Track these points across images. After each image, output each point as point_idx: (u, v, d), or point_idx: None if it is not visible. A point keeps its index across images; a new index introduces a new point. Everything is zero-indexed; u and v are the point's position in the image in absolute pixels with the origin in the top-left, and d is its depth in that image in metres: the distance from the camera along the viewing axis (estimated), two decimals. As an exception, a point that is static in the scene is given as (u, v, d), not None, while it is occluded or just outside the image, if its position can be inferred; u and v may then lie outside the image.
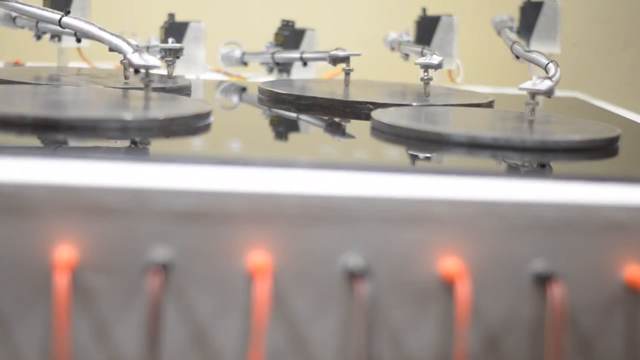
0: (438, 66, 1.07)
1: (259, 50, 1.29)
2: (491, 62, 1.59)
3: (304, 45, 1.26)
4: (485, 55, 1.59)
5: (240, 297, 0.67)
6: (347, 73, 1.15)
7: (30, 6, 1.07)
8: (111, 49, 0.96)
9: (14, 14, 1.22)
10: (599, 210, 0.68)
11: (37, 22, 1.19)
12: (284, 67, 1.27)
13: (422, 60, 1.08)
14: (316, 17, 1.59)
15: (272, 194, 0.66)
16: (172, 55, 1.13)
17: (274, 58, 1.26)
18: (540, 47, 1.23)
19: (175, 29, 1.24)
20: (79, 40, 1.17)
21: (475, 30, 1.52)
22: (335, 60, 1.16)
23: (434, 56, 1.08)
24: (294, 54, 1.25)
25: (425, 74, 1.08)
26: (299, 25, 1.29)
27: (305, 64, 1.24)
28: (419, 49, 1.17)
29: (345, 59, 1.15)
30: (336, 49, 1.16)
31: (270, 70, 1.28)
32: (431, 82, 1.08)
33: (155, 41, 1.18)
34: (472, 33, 1.56)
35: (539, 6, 1.25)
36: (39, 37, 1.22)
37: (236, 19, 1.64)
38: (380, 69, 1.28)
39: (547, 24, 1.25)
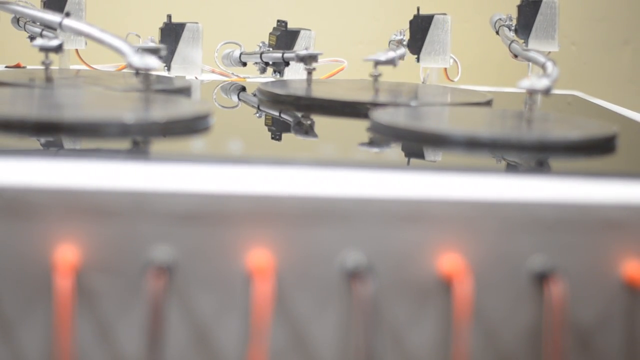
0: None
1: (253, 51, 1.29)
2: (490, 61, 1.59)
3: (299, 45, 1.27)
4: (484, 55, 1.59)
5: (242, 297, 0.67)
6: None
7: (30, 8, 1.07)
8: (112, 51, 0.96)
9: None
10: (597, 207, 0.68)
11: (24, 24, 1.18)
12: (277, 67, 1.27)
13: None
14: (315, 17, 1.60)
15: (272, 194, 0.67)
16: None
17: (261, 58, 1.26)
18: (538, 45, 1.24)
19: (172, 30, 1.24)
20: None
21: (474, 30, 1.52)
22: (302, 59, 1.16)
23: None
24: (277, 54, 1.25)
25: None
26: (298, 25, 1.29)
27: (287, 63, 1.24)
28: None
29: (312, 58, 1.15)
30: (305, 49, 1.17)
31: (263, 71, 1.28)
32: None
33: (152, 43, 1.18)
34: (471, 32, 1.56)
35: (537, 4, 1.25)
36: (32, 39, 1.22)
37: (234, 20, 1.64)
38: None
39: (545, 23, 1.25)
